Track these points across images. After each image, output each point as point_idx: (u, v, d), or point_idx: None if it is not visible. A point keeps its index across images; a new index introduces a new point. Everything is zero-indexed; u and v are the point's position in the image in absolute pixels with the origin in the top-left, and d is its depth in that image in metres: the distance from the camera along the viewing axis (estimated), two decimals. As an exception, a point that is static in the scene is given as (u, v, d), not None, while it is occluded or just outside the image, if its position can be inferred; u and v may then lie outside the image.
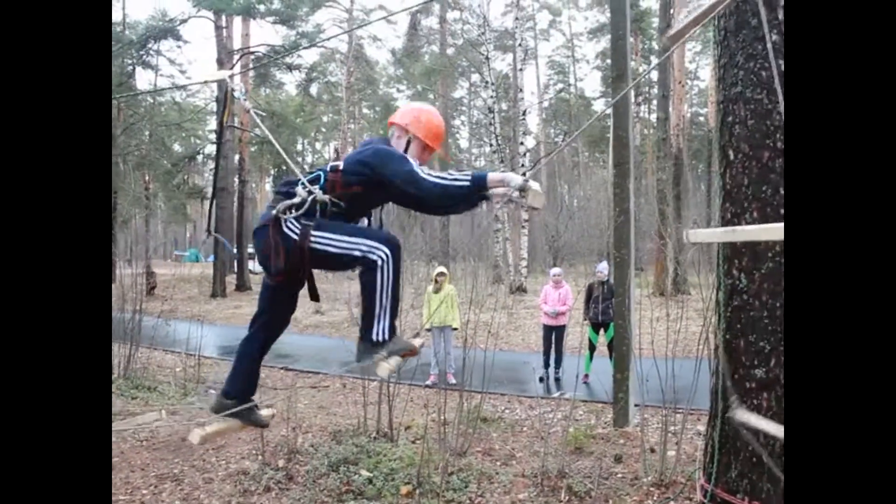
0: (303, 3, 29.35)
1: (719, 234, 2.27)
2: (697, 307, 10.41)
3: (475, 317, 8.39)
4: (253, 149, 34.69)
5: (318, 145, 55.11)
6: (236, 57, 28.08)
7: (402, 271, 3.07)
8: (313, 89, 37.32)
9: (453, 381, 9.54)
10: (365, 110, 47.15)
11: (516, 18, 25.70)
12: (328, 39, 35.58)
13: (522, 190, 2.75)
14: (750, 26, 3.98)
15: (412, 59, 37.81)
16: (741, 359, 3.98)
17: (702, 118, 42.21)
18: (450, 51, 35.70)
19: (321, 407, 9.00)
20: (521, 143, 24.08)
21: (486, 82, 25.93)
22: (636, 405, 7.36)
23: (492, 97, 25.46)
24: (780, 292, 3.85)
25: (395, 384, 7.52)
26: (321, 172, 3.08)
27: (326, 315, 19.83)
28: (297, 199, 2.98)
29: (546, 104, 46.13)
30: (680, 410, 6.50)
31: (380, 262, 2.92)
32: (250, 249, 37.75)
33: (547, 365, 10.40)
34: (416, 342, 3.19)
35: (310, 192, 2.97)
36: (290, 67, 30.92)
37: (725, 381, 4.04)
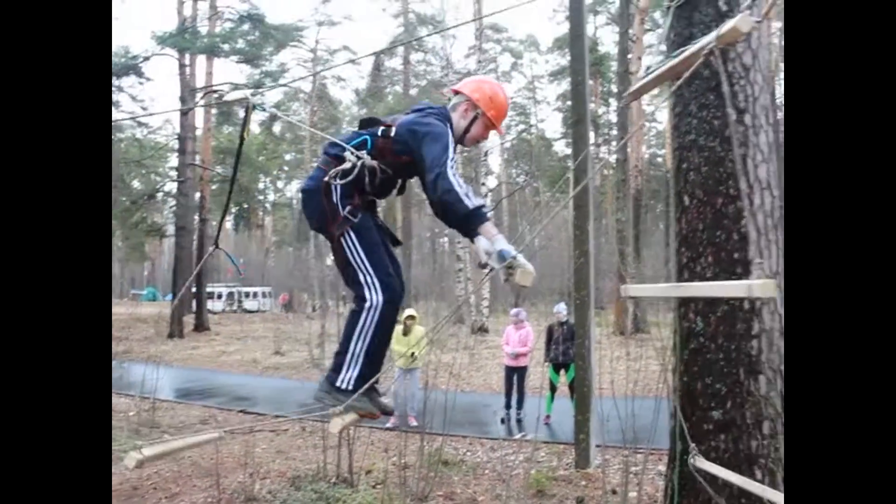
0: (267, 43, 29.50)
1: (660, 289, 2.36)
2: (657, 346, 10.51)
3: (436, 357, 8.36)
4: (214, 187, 34.42)
5: (280, 184, 54.89)
6: (199, 95, 28.00)
7: (388, 331, 2.92)
8: (276, 128, 37.35)
9: (415, 424, 9.44)
10: (328, 149, 47.16)
11: (479, 61, 26.14)
12: (298, 79, 35.71)
13: (511, 267, 2.58)
14: (702, 77, 4.10)
15: (375, 99, 38.06)
16: (698, 401, 4.03)
17: (660, 159, 43.18)
18: (413, 91, 36.07)
19: (280, 451, 8.82)
20: (483, 184, 24.31)
21: (449, 123, 26.18)
22: (597, 446, 7.36)
23: (454, 137, 25.70)
24: (735, 335, 3.93)
25: (356, 427, 7.42)
26: (367, 137, 2.92)
27: (287, 356, 19.57)
28: (347, 165, 2.81)
29: (507, 145, 46.75)
30: (641, 451, 6.51)
31: (366, 305, 2.82)
32: (209, 289, 37.29)
33: (508, 406, 10.36)
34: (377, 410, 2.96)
35: (358, 158, 2.83)
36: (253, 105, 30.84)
37: (684, 427, 4.07)
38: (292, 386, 13.64)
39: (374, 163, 2.86)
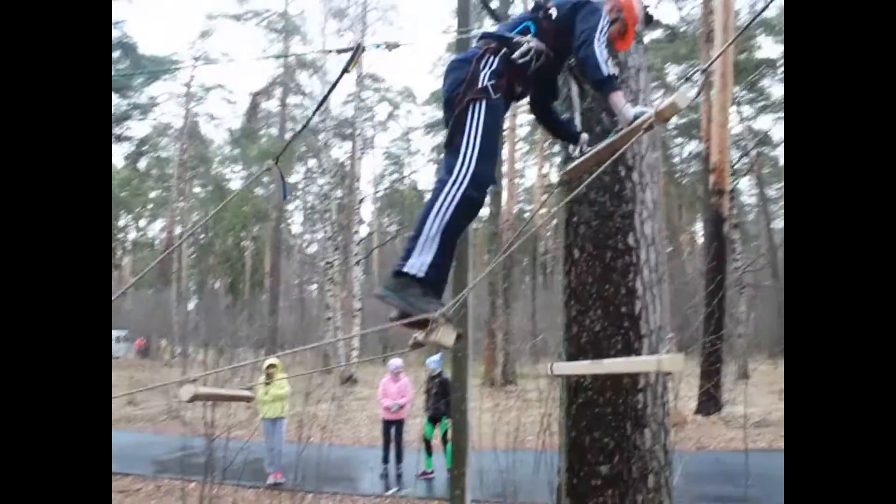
0: (138, 75, 28.37)
1: (584, 367, 2.39)
2: (526, 397, 10.60)
3: (302, 409, 8.00)
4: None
5: (143, 222, 52.18)
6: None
7: (466, 221, 2.69)
8: (142, 163, 35.74)
9: (281, 480, 8.94)
10: (196, 189, 45.46)
11: (356, 108, 26.21)
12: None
13: (433, 322, 2.34)
14: (594, 133, 4.19)
15: (249, 140, 37.30)
16: (587, 456, 4.00)
17: (527, 214, 44.69)
18: (288, 135, 35.62)
19: (131, 513, 8.09)
20: (356, 232, 24.16)
21: (324, 169, 25.99)
22: (473, 501, 7.22)
23: (328, 184, 25.49)
24: (622, 389, 3.95)
25: (219, 484, 6.91)
26: (528, 23, 2.86)
27: (141, 406, 18.22)
28: (524, 48, 2.76)
29: (381, 194, 46.94)
30: (517, 506, 6.45)
31: (452, 178, 2.56)
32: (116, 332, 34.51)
33: (386, 460, 10.05)
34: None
35: (528, 44, 2.77)
36: (118, 138, 29.45)
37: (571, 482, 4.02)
38: (147, 440, 12.68)
39: (543, 45, 2.81)
